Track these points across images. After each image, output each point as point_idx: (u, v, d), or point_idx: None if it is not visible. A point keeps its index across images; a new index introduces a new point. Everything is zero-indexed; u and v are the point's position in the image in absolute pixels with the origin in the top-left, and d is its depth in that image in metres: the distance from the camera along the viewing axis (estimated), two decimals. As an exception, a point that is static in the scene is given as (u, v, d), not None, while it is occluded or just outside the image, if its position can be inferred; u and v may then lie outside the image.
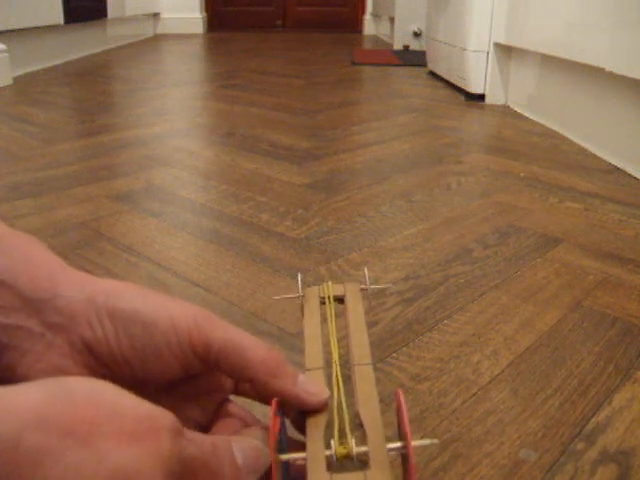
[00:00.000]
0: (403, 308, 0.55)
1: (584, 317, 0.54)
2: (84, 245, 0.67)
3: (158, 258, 0.64)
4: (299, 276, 0.42)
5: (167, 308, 0.29)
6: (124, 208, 0.79)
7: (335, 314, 0.38)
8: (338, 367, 0.33)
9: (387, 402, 0.42)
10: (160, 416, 0.22)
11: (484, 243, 0.70)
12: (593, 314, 0.55)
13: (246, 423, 0.32)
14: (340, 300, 0.40)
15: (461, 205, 0.83)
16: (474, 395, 0.43)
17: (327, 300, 0.39)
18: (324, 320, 0.37)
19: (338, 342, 0.35)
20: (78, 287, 0.29)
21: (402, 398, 0.28)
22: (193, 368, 0.30)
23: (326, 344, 0.35)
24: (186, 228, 0.73)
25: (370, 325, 0.52)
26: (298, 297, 0.41)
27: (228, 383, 0.33)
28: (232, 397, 0.34)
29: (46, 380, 0.22)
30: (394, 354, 0.48)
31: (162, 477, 0.21)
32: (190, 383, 0.32)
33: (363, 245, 0.69)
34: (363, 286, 0.41)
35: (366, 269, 0.44)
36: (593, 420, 0.41)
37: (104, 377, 0.29)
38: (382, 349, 0.49)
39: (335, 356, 0.33)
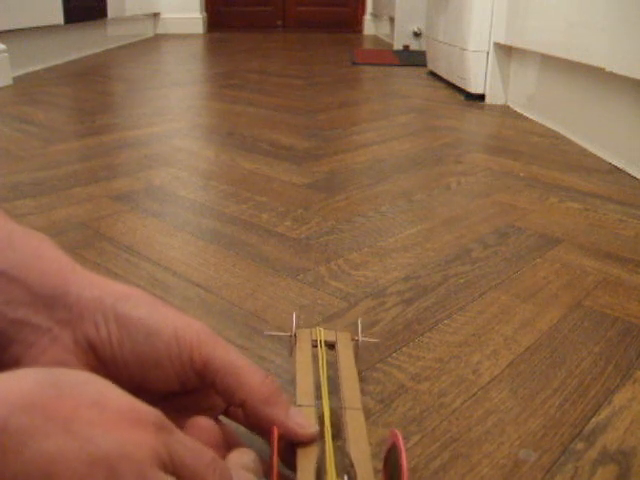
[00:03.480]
0: (403, 308, 0.55)
1: (584, 317, 0.54)
2: (84, 245, 0.67)
3: (158, 258, 0.64)
4: (294, 315, 0.43)
5: (173, 320, 0.29)
6: (124, 208, 0.79)
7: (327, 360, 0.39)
8: (327, 420, 0.33)
9: (386, 403, 0.42)
10: (144, 410, 0.23)
11: (484, 243, 0.70)
12: (593, 314, 0.55)
13: (230, 443, 0.32)
14: (331, 346, 0.41)
15: (461, 205, 0.83)
16: (474, 395, 0.43)
17: (319, 344, 0.40)
18: (315, 362, 0.38)
19: (329, 390, 0.36)
20: (88, 286, 0.30)
21: (401, 441, 0.28)
22: (190, 382, 0.30)
23: (317, 387, 0.36)
24: (186, 228, 0.73)
25: (370, 325, 0.52)
26: (290, 336, 0.42)
27: (219, 402, 0.33)
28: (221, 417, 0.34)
29: (37, 369, 0.22)
30: (394, 354, 0.48)
31: (151, 465, 0.21)
32: (184, 397, 0.32)
33: (363, 245, 0.69)
34: (355, 337, 0.42)
35: (360, 320, 0.44)
36: (593, 420, 0.41)
37: (102, 377, 0.29)
38: (382, 349, 0.49)
39: (326, 411, 0.34)
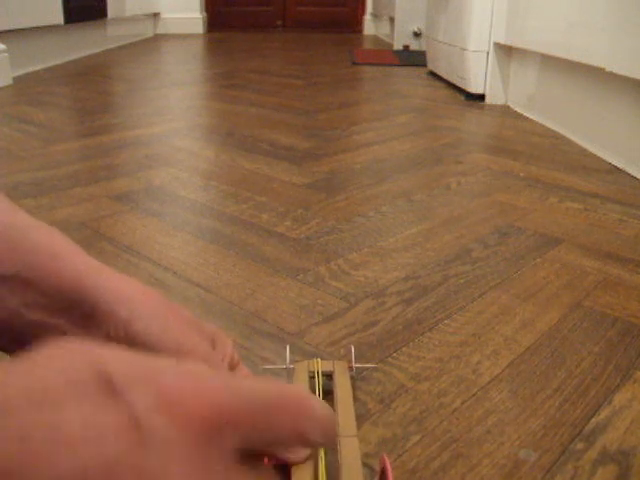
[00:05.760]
0: (403, 308, 0.55)
1: (584, 317, 0.54)
2: (84, 245, 0.67)
3: (158, 258, 0.64)
4: (287, 348, 0.43)
5: (178, 347, 0.31)
6: (124, 208, 0.79)
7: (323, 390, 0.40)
8: (322, 449, 0.33)
9: (386, 403, 0.42)
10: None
11: (484, 243, 0.70)
12: (593, 314, 0.55)
13: None
14: (328, 376, 0.42)
15: (461, 205, 0.83)
16: (474, 395, 0.43)
17: (316, 376, 0.41)
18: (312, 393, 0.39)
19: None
20: (104, 293, 0.31)
21: (389, 465, 0.29)
22: None
23: None
24: (186, 228, 0.73)
25: (370, 325, 0.52)
26: (286, 368, 0.43)
27: None
28: None
29: None
30: (394, 354, 0.48)
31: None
32: None
33: (363, 245, 0.69)
34: (350, 364, 0.43)
35: (353, 348, 0.44)
36: (593, 420, 0.41)
37: None
38: (382, 349, 0.49)
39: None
